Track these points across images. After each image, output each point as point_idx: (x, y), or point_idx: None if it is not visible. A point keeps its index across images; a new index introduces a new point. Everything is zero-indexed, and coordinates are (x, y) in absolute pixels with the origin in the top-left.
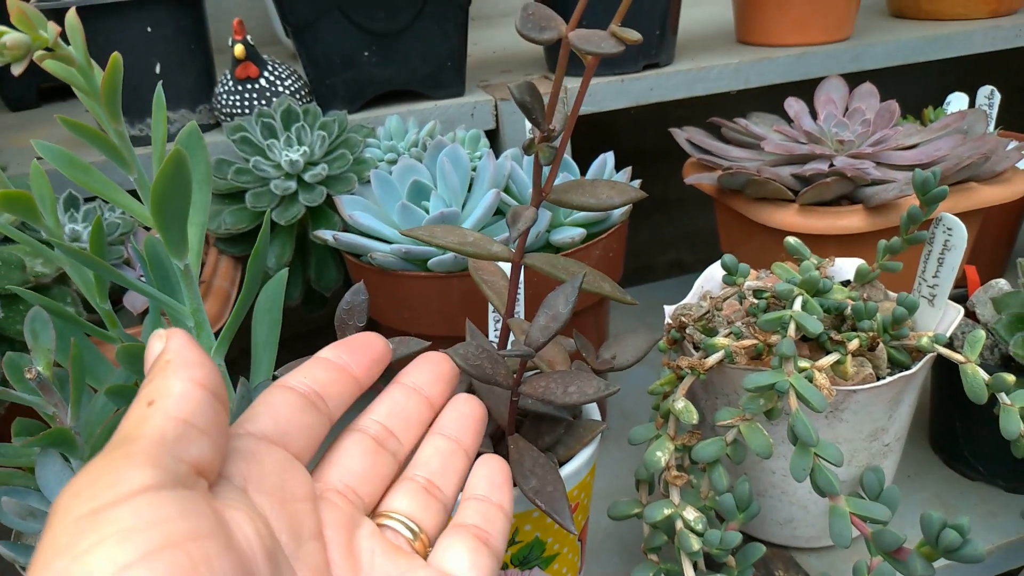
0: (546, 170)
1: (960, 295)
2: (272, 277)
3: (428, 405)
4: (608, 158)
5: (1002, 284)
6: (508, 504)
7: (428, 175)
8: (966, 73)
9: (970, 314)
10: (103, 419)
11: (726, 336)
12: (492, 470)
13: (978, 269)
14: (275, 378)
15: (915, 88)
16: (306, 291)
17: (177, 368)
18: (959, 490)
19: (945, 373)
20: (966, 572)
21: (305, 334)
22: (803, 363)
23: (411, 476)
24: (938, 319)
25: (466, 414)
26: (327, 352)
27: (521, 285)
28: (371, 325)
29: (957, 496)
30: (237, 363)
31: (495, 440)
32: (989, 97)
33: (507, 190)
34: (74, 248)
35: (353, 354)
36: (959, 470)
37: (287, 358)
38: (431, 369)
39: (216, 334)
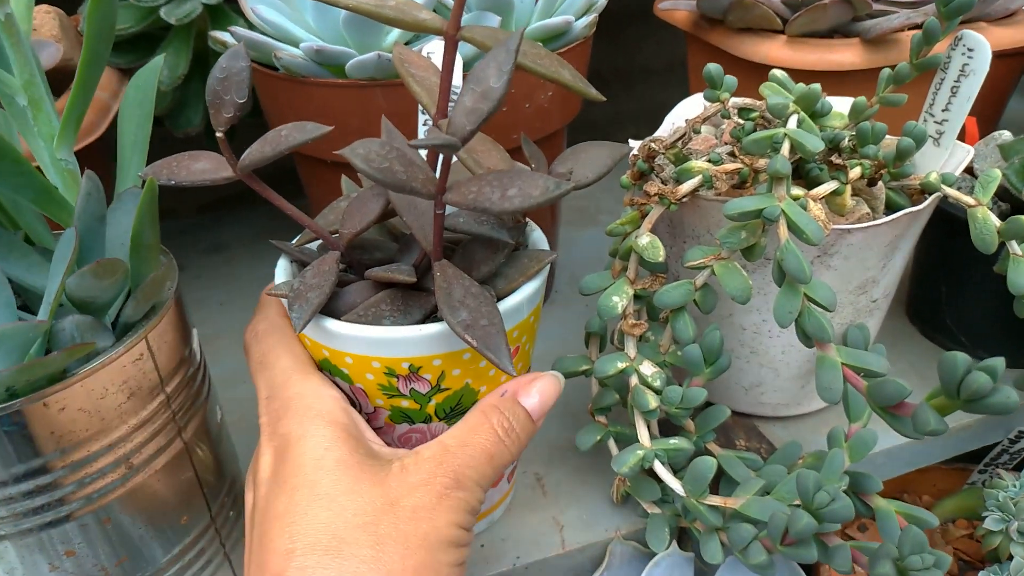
0: None
1: None
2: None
3: None
4: None
5: (1006, 135)
6: None
7: None
8: None
9: (966, 170)
10: None
11: (703, 162)
12: None
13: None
14: (143, 182)
15: None
16: (208, 116)
17: None
18: (936, 361)
19: (936, 230)
20: (944, 445)
21: None
22: (796, 191)
23: None
24: (943, 161)
25: None
26: None
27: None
28: None
29: (935, 367)
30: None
31: (419, 271)
32: None
33: None
34: None
35: None
36: (938, 341)
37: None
38: None
39: (91, 146)
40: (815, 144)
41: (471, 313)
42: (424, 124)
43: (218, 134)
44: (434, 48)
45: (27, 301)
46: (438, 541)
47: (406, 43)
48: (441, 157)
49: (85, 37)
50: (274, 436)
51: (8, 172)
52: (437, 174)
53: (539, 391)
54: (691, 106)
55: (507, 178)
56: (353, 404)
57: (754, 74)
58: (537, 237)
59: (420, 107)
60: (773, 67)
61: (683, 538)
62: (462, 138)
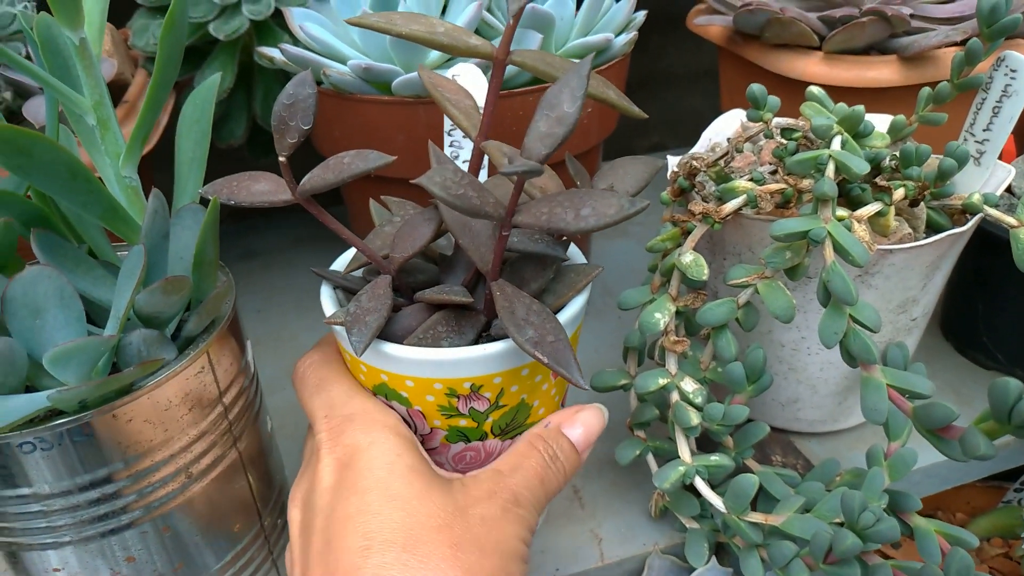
0: None
1: None
2: (200, 85)
3: None
4: None
5: None
6: None
7: None
8: None
9: (1006, 189)
10: None
11: (746, 181)
12: None
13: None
14: (202, 200)
15: None
16: (252, 129)
17: None
18: (974, 379)
19: (974, 247)
20: (983, 463)
21: None
22: (841, 212)
23: None
24: (983, 181)
25: None
26: None
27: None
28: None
29: (971, 385)
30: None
31: (471, 288)
32: None
33: (491, 12)
34: None
35: None
36: (974, 358)
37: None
38: None
39: (144, 158)
40: (860, 167)
41: (537, 330)
42: (451, 145)
43: (281, 159)
44: (460, 70)
45: (91, 313)
46: (508, 551)
47: (447, 60)
48: (493, 178)
49: (157, 62)
50: (336, 448)
51: (80, 191)
52: None
53: (582, 422)
54: (728, 122)
55: (578, 198)
56: (409, 427)
57: (789, 90)
58: (573, 251)
59: (447, 126)
60: (809, 83)
61: (720, 553)
62: (538, 161)
